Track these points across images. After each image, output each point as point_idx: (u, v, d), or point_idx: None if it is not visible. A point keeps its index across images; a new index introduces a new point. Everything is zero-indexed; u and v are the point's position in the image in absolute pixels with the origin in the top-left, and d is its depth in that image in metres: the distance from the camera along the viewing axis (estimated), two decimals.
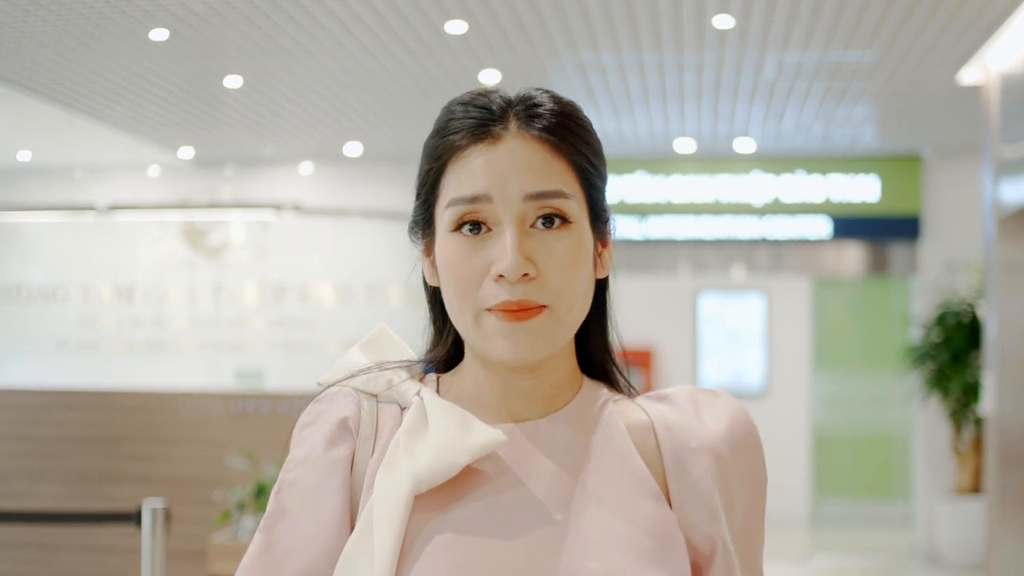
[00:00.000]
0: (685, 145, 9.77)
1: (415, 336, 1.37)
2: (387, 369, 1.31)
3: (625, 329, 1.35)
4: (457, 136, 1.24)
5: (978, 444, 9.25)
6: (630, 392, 1.33)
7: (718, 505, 1.24)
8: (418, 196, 1.29)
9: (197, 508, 6.62)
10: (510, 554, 1.19)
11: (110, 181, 10.80)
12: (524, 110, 1.24)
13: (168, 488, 6.73)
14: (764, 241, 10.43)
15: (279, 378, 10.26)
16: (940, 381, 9.32)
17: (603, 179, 1.28)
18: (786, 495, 10.74)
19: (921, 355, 9.46)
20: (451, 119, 1.25)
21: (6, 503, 7.21)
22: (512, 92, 1.26)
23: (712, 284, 11.28)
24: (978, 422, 9.15)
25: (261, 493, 5.69)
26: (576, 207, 1.23)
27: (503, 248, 1.20)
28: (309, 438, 1.27)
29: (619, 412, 1.28)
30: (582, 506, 1.22)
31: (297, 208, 9.40)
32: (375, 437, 1.26)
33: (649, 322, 10.91)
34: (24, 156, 10.42)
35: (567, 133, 1.24)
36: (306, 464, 1.26)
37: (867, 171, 10.24)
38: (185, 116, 8.73)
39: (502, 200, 1.21)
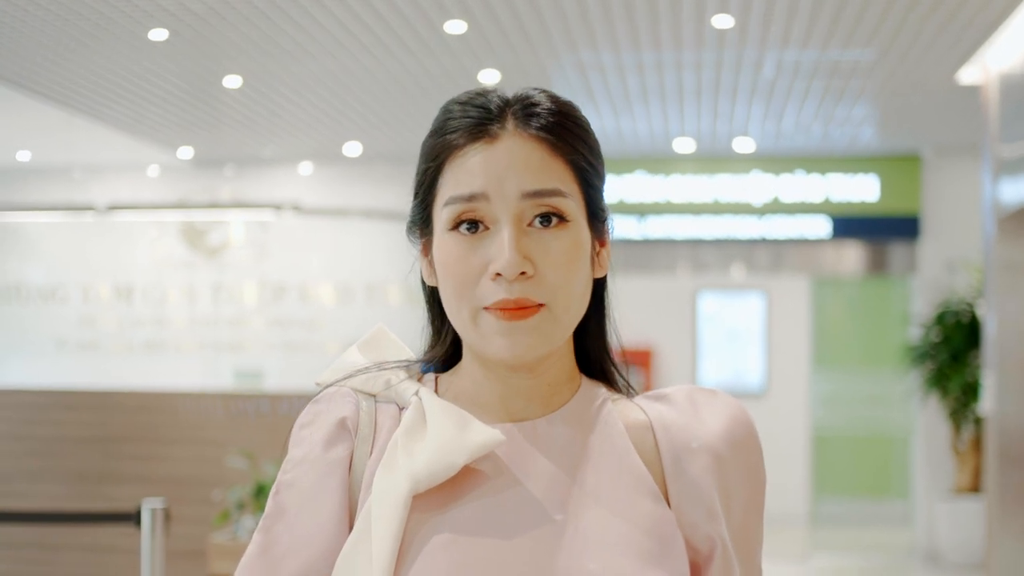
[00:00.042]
0: (684, 145, 9.77)
1: (414, 336, 1.36)
2: (385, 369, 1.31)
3: (624, 329, 1.35)
4: (455, 135, 1.23)
5: (977, 444, 9.25)
6: (629, 392, 1.33)
7: (717, 505, 1.24)
8: (416, 195, 1.28)
9: (196, 508, 6.62)
10: (509, 554, 1.18)
11: (109, 181, 10.80)
12: (522, 109, 1.24)
13: (167, 488, 6.73)
14: (763, 241, 10.43)
15: (278, 378, 10.26)
16: (939, 381, 9.32)
17: (601, 178, 1.28)
18: (785, 494, 10.74)
19: (920, 355, 9.45)
20: (449, 118, 1.25)
21: (6, 503, 7.21)
22: (510, 92, 1.26)
23: (711, 284, 11.27)
24: (977, 421, 9.15)
25: (260, 493, 5.70)
26: (574, 206, 1.23)
27: (500, 246, 1.19)
28: (307, 438, 1.27)
29: (618, 412, 1.28)
30: (581, 506, 1.21)
31: (296, 208, 9.38)
32: (373, 437, 1.26)
33: (648, 322, 10.90)
34: (23, 156, 10.42)
35: (565, 132, 1.24)
36: (304, 464, 1.26)
37: (866, 171, 10.24)
38: (184, 116, 8.72)
39: (499, 198, 1.20)
